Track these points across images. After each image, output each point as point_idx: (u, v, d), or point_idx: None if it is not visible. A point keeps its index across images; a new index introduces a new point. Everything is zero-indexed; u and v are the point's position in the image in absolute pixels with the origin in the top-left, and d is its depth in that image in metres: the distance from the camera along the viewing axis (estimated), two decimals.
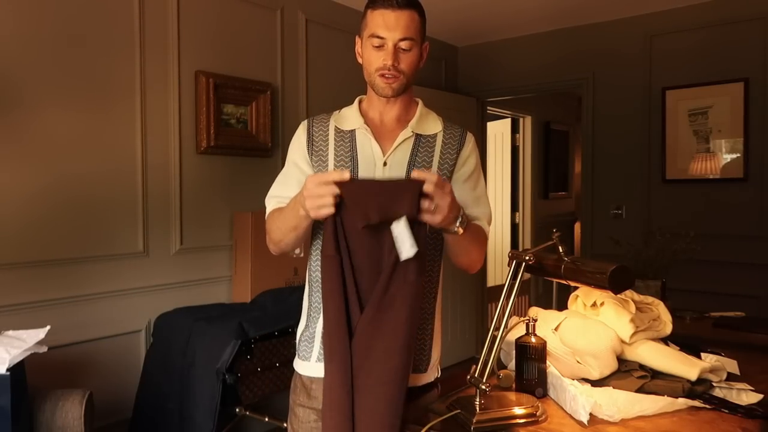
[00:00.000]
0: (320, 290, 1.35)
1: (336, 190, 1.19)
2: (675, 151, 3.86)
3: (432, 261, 1.44)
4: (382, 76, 1.39)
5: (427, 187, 1.18)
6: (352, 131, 1.45)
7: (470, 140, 1.51)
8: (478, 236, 1.42)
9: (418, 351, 1.44)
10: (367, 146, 1.43)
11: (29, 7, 2.42)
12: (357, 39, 1.47)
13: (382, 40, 1.37)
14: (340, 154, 1.43)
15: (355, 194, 1.21)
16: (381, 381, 1.22)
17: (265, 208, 1.50)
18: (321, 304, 1.37)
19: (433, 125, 1.49)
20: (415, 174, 1.20)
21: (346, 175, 1.20)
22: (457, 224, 1.27)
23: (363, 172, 1.41)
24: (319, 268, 1.35)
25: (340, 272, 1.23)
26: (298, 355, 1.51)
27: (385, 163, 1.42)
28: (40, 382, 2.11)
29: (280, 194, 1.47)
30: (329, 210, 1.20)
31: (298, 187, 1.43)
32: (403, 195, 1.19)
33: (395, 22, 1.35)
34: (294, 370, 1.55)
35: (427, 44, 1.45)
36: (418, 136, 1.45)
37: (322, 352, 1.43)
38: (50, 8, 2.48)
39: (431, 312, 1.46)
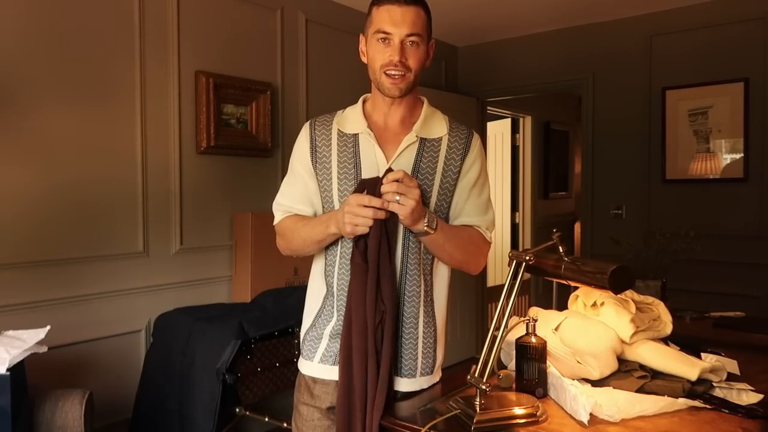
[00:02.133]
0: (340, 293, 1.43)
1: (372, 213, 1.28)
2: (675, 151, 3.86)
3: (422, 263, 1.44)
4: (388, 74, 1.37)
5: (393, 176, 1.26)
6: (355, 135, 1.44)
7: (475, 144, 1.49)
8: (460, 238, 1.43)
9: (425, 354, 1.45)
10: (370, 152, 1.42)
11: (28, 7, 2.42)
12: (361, 37, 1.45)
13: (389, 36, 1.35)
14: (343, 160, 1.43)
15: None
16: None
17: (267, 210, 1.53)
18: (337, 307, 1.42)
19: (439, 127, 1.47)
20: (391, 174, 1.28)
21: (376, 203, 1.29)
22: (425, 224, 1.33)
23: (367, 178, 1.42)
24: (340, 273, 1.43)
25: (365, 279, 1.34)
26: (302, 354, 1.51)
27: (389, 170, 1.41)
28: (40, 382, 2.11)
29: (287, 204, 1.50)
30: (364, 230, 1.30)
31: (303, 197, 1.47)
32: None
33: (402, 17, 1.34)
34: (297, 368, 1.55)
35: (434, 42, 1.44)
36: (422, 141, 1.44)
37: (326, 352, 1.44)
38: (50, 8, 2.48)
39: (431, 314, 1.46)
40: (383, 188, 1.28)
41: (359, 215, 1.28)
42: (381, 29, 1.36)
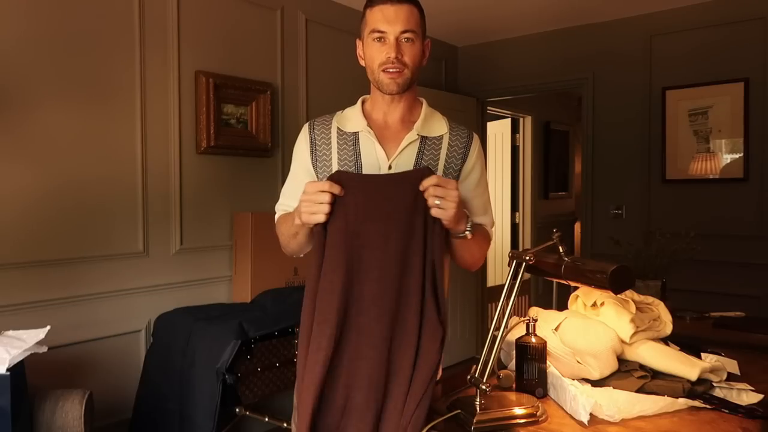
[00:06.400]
0: None
1: (329, 198, 1.23)
2: (675, 151, 3.86)
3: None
4: (386, 71, 1.39)
5: (429, 181, 1.22)
6: (355, 134, 1.44)
7: (476, 145, 1.50)
8: (483, 238, 1.47)
9: None
10: (371, 150, 1.42)
11: (28, 7, 2.42)
12: (357, 42, 1.46)
13: (384, 34, 1.37)
14: (343, 158, 1.43)
15: (359, 189, 1.25)
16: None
17: (267, 210, 1.53)
18: None
19: (439, 126, 1.48)
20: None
21: (336, 190, 1.24)
22: (467, 227, 1.31)
23: None
24: None
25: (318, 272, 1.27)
26: None
27: (390, 167, 1.41)
28: (40, 382, 2.11)
29: (286, 203, 1.51)
30: (321, 218, 1.25)
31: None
32: (406, 182, 1.25)
33: (395, 15, 1.36)
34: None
35: (429, 41, 1.45)
36: (423, 139, 1.44)
37: None
38: (50, 8, 2.48)
39: None
40: (427, 192, 1.22)
41: (316, 202, 1.24)
42: (376, 28, 1.38)
